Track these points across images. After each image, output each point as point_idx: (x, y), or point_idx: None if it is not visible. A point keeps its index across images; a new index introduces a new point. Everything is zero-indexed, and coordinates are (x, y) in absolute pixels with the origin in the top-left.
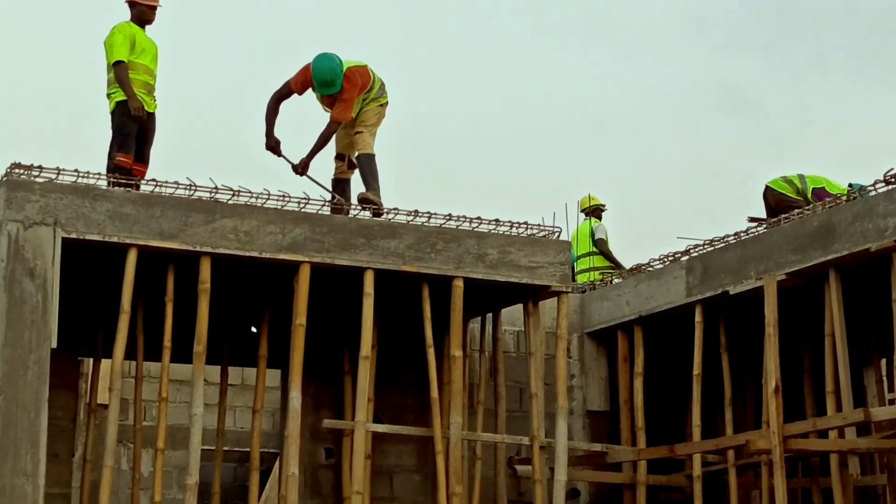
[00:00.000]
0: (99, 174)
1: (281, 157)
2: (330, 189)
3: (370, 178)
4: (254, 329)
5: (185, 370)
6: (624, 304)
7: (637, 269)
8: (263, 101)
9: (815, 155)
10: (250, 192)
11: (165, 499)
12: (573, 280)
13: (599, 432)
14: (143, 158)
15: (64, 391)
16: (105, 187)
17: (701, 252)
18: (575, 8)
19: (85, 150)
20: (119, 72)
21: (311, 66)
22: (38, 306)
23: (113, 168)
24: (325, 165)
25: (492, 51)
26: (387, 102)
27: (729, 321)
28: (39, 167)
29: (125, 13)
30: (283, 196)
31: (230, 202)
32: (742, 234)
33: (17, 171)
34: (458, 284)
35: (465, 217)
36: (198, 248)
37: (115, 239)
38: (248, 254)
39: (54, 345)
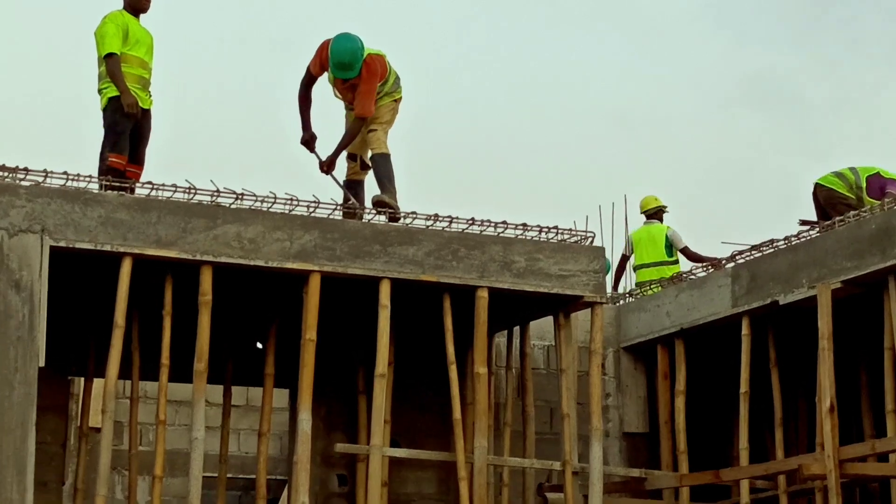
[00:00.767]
0: (90, 177)
1: (313, 153)
2: (348, 192)
3: (385, 180)
4: (259, 345)
5: (184, 390)
6: (664, 315)
7: (678, 278)
8: (268, 95)
9: (856, 148)
10: (255, 195)
11: None
12: (635, 290)
13: (637, 456)
14: (137, 159)
15: (53, 414)
16: (97, 191)
17: (748, 258)
18: None
19: (75, 151)
20: (111, 65)
21: (328, 45)
22: (25, 321)
23: (105, 170)
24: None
25: (504, 43)
26: (401, 98)
27: (779, 334)
28: (25, 169)
29: (117, 1)
30: (291, 199)
31: (233, 206)
32: (793, 239)
33: (0, 173)
34: (483, 295)
35: (489, 221)
36: (198, 257)
37: (107, 247)
38: (252, 263)
39: (42, 363)
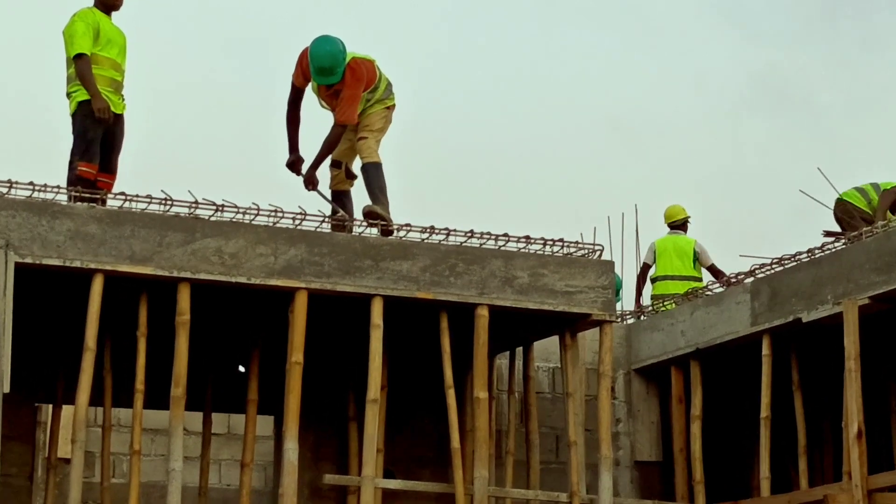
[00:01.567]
0: (58, 187)
1: (301, 177)
2: (336, 206)
3: (377, 191)
4: (242, 368)
5: (160, 417)
6: (678, 334)
7: (693, 294)
8: (253, 99)
9: (877, 155)
10: (236, 206)
11: None
12: (647, 305)
13: (650, 487)
14: (109, 168)
15: (18, 443)
16: (65, 203)
17: (768, 273)
18: None
19: (42, 160)
20: (81, 67)
21: (308, 53)
22: None
23: (74, 180)
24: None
25: (492, 40)
26: (394, 105)
27: (802, 354)
28: None
29: None
30: (275, 211)
31: (213, 219)
32: (816, 252)
33: None
34: (483, 313)
35: (489, 234)
36: (175, 274)
37: (77, 263)
38: (234, 279)
39: (7, 389)
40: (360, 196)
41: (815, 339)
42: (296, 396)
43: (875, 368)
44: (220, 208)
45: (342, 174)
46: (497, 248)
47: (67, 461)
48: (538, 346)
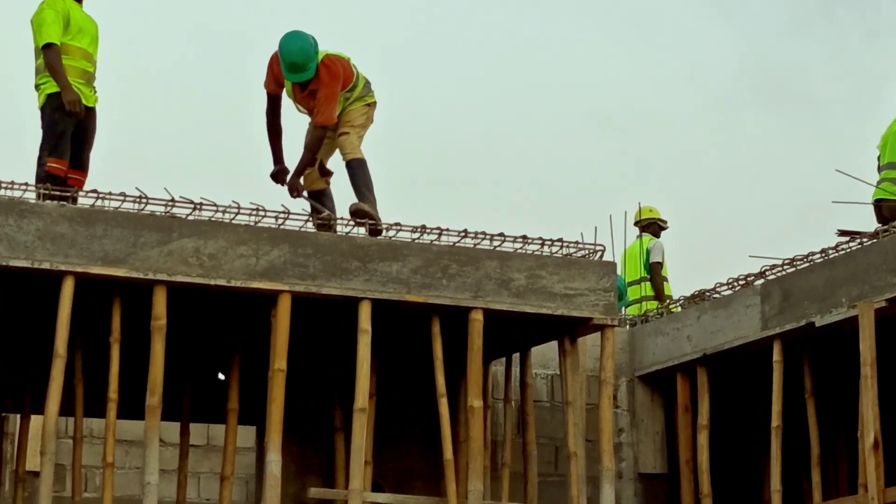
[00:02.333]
0: (26, 185)
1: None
2: (319, 205)
3: (363, 188)
4: (221, 376)
5: (135, 428)
6: (684, 339)
7: (700, 297)
8: (232, 92)
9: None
10: (215, 205)
11: None
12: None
13: (655, 500)
14: (80, 164)
15: None
16: (34, 201)
17: (779, 274)
18: None
19: (9, 156)
20: (50, 57)
21: (277, 53)
22: None
23: (43, 177)
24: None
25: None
26: (374, 102)
27: (815, 360)
28: None
29: None
30: (257, 209)
31: (190, 218)
32: (830, 252)
33: None
34: (477, 317)
35: (484, 233)
36: (150, 276)
37: (46, 265)
38: (213, 282)
39: None
40: (341, 195)
41: (829, 344)
42: (279, 405)
43: (892, 375)
44: (199, 206)
45: (315, 172)
46: (492, 248)
47: (36, 474)
48: (536, 352)
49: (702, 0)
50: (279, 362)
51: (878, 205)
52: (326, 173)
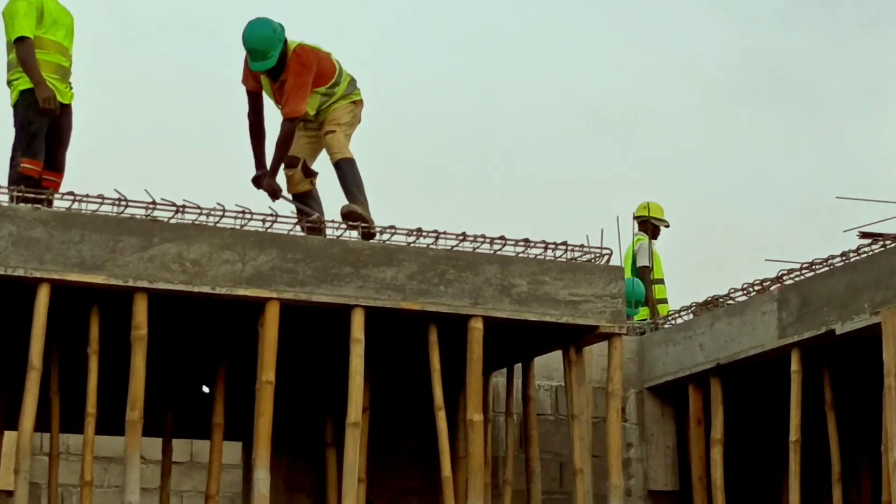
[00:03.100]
0: None
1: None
2: (305, 208)
3: (354, 189)
4: (206, 389)
5: (115, 444)
6: (696, 348)
7: (713, 303)
8: (215, 89)
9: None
10: (199, 207)
11: None
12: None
13: None
14: (56, 165)
15: None
16: (6, 204)
17: (797, 279)
18: None
19: None
20: (23, 51)
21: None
22: None
23: (17, 178)
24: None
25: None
26: (361, 101)
27: (836, 370)
28: None
29: None
30: (243, 212)
31: (172, 221)
32: (851, 255)
33: None
34: (477, 326)
35: (483, 237)
36: (130, 283)
37: (20, 272)
38: (196, 289)
39: None
40: (329, 197)
41: (851, 353)
42: (267, 420)
43: None
44: (181, 209)
45: (299, 173)
46: (492, 252)
47: (10, 493)
48: (539, 362)
49: None
50: (267, 374)
51: None
52: (311, 174)
